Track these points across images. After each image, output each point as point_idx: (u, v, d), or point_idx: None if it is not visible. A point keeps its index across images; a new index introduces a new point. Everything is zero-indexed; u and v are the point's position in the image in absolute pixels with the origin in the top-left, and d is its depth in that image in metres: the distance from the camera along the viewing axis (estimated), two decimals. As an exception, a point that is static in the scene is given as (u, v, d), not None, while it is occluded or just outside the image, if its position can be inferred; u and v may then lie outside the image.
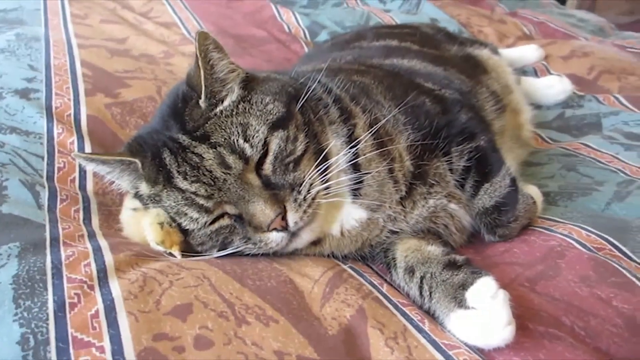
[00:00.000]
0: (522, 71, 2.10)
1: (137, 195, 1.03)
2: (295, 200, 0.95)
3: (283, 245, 0.97)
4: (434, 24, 2.30)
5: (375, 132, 1.06)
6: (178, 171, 0.95)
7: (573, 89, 1.92)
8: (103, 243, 0.98)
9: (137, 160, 0.98)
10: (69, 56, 1.63)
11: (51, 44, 1.68)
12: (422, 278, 0.98)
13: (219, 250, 1.00)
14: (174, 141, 0.96)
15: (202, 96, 0.96)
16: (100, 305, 0.81)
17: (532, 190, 1.26)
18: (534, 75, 2.09)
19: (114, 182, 1.03)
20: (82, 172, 1.23)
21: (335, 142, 1.03)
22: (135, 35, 1.93)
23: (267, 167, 0.95)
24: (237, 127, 0.95)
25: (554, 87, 1.92)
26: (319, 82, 1.10)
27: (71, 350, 0.74)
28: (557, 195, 1.35)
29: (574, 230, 1.16)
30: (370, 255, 1.11)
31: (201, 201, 0.94)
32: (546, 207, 1.28)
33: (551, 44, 2.29)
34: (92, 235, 1.02)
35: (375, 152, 1.05)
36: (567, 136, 1.75)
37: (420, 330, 0.89)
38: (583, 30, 2.60)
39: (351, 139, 1.05)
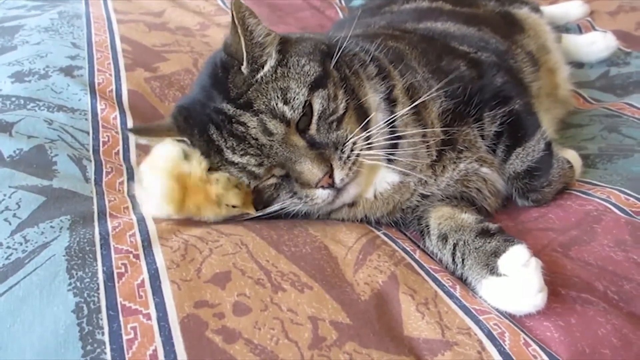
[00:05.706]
0: (565, 28, 2.03)
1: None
2: (340, 158, 0.96)
3: (329, 201, 0.99)
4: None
5: (411, 96, 1.06)
6: (226, 146, 0.97)
7: (618, 45, 1.85)
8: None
9: (185, 139, 1.01)
10: (109, 32, 1.66)
11: (92, 21, 1.72)
12: (455, 245, 0.99)
13: (263, 208, 1.02)
14: (219, 112, 0.97)
15: (244, 62, 0.97)
16: (145, 275, 0.86)
17: (570, 155, 1.24)
18: (577, 32, 2.02)
19: None
20: (126, 145, 1.27)
21: (374, 97, 1.04)
22: (171, 8, 1.95)
23: (313, 127, 0.97)
24: (277, 91, 0.95)
25: (596, 44, 1.85)
26: (355, 43, 1.10)
27: (120, 318, 0.79)
28: (597, 158, 1.32)
29: (612, 193, 1.14)
30: (404, 222, 1.12)
31: (252, 169, 0.97)
32: (585, 169, 1.27)
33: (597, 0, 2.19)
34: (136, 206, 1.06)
35: (412, 116, 1.06)
36: (611, 96, 1.69)
37: (451, 296, 0.90)
38: (636, -17, 2.47)
39: (390, 99, 1.06)
